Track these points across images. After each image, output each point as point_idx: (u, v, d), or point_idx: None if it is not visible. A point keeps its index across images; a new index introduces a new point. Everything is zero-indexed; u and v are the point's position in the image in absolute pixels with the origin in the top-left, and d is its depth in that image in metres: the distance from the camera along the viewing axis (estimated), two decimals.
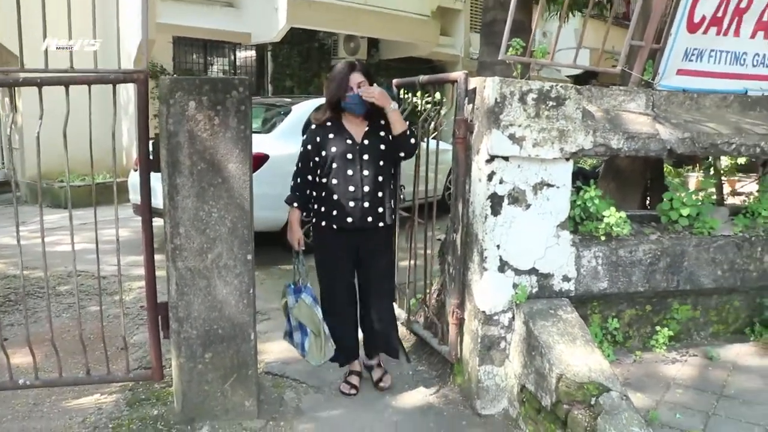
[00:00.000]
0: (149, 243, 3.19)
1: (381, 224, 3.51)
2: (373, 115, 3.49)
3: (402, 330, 4.49)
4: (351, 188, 3.43)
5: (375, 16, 12.90)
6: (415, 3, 13.58)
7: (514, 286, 3.45)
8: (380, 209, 3.51)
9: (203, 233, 3.09)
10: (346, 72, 3.41)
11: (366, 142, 3.46)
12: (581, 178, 7.35)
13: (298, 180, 3.55)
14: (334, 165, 3.42)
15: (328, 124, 3.50)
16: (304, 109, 6.94)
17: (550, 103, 3.28)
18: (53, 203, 10.24)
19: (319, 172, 3.51)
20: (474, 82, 3.43)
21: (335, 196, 3.45)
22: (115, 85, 3.14)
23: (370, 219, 3.48)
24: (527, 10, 4.50)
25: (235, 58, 13.32)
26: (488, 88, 3.26)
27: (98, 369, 3.53)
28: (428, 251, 4.02)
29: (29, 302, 5.30)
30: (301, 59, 13.78)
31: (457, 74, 3.49)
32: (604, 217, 3.71)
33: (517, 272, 3.44)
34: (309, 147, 3.49)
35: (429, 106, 4.09)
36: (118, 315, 4.83)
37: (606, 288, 3.73)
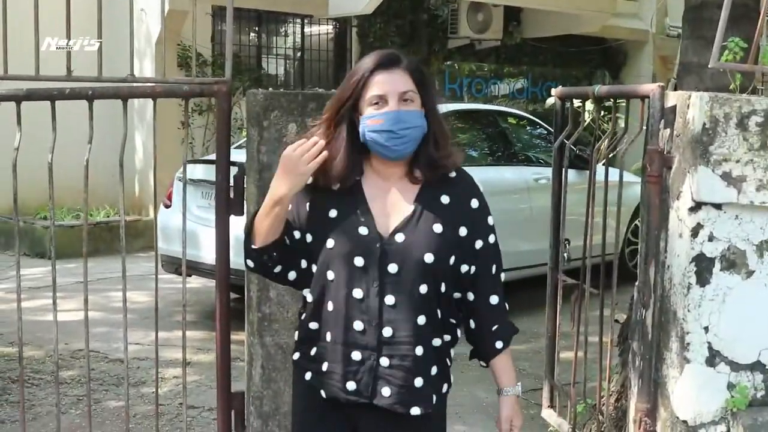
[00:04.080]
0: (225, 309, 3.86)
1: (415, 410, 2.76)
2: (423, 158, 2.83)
3: None
4: (358, 325, 2.75)
5: None
6: None
7: (730, 386, 3.85)
8: (417, 380, 2.77)
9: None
10: (379, 66, 2.74)
11: (400, 238, 2.76)
12: None
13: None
14: (330, 274, 2.78)
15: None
16: None
17: None
18: (34, 251, 11.25)
19: (303, 265, 2.89)
20: (673, 99, 3.92)
21: (328, 335, 2.81)
22: (187, 100, 3.85)
23: (387, 394, 2.75)
24: None
25: (303, 38, 14.22)
26: (693, 107, 3.72)
27: None
28: (605, 337, 4.50)
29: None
30: (401, 39, 14.37)
31: (650, 87, 3.98)
32: None
33: (735, 367, 3.85)
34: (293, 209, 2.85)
35: (605, 124, 4.62)
36: (148, 414, 5.52)
37: None
